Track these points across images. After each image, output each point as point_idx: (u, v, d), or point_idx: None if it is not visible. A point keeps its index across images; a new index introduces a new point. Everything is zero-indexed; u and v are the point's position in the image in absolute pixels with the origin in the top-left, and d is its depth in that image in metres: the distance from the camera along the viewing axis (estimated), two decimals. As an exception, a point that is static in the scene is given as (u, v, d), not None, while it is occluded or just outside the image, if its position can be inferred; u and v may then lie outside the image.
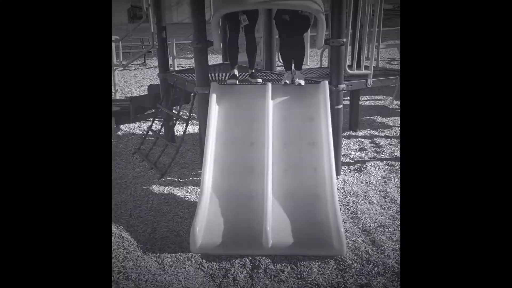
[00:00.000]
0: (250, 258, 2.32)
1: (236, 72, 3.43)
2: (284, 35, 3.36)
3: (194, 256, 2.36)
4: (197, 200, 2.90)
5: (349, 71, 3.46)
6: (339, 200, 2.97)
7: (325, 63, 4.86)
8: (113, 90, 6.08)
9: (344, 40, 3.12)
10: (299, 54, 3.37)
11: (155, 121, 4.56)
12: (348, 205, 2.94)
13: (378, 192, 3.12)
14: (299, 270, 2.23)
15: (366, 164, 3.65)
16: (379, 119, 5.11)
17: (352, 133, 4.57)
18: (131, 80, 8.00)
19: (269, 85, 3.16)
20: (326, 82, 3.12)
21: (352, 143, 4.24)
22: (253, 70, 3.55)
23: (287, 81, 3.27)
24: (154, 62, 9.50)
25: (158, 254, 2.39)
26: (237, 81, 3.36)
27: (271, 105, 3.04)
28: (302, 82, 3.22)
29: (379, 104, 5.89)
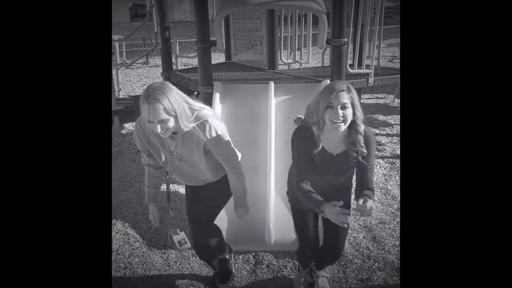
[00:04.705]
0: (253, 254, 2.37)
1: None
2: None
3: (199, 252, 2.40)
4: (200, 197, 2.95)
5: (350, 70, 3.49)
6: (340, 198, 3.01)
7: (327, 62, 4.88)
8: (116, 89, 6.12)
9: (345, 39, 3.15)
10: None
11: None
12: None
13: (379, 190, 3.16)
14: (301, 265, 2.27)
15: (367, 162, 3.68)
16: (381, 117, 5.15)
17: (353, 131, 4.60)
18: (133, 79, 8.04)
19: (272, 84, 3.20)
20: (328, 81, 3.16)
21: (354, 141, 4.27)
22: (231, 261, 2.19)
23: None
24: (156, 60, 9.53)
25: (163, 250, 2.44)
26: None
27: (274, 104, 3.09)
28: None
29: (381, 102, 5.92)
